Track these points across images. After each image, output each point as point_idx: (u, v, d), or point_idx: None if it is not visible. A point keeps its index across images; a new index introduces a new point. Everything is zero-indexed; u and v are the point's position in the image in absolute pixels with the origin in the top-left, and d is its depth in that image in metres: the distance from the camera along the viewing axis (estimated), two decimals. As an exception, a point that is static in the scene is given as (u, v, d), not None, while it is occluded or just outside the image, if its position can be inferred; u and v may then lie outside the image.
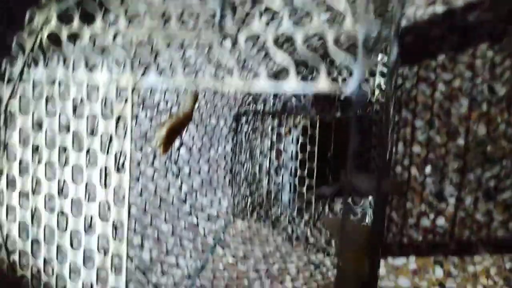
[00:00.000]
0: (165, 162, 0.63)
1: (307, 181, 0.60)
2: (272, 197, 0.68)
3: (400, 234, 0.76)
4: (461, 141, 0.72)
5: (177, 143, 0.67)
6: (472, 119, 0.72)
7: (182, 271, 0.59)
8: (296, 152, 0.60)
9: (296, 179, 0.61)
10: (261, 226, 0.81)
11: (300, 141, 0.60)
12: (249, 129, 0.71)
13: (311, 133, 0.59)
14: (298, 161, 0.60)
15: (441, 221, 0.74)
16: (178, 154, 0.68)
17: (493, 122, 0.71)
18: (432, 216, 0.75)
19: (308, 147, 0.60)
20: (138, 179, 0.57)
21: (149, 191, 0.59)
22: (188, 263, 0.61)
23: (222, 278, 0.60)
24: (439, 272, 0.75)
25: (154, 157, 0.60)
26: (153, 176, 0.60)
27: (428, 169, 0.75)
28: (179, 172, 0.68)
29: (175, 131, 0.57)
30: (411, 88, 0.75)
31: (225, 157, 0.81)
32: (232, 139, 0.80)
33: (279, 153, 0.66)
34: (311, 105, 0.76)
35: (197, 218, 0.68)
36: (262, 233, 0.81)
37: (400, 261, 0.77)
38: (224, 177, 0.82)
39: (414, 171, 0.75)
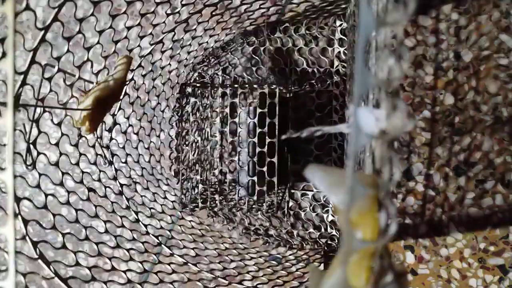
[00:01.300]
0: (94, 145, 0.51)
1: (267, 159, 0.50)
2: (229, 181, 0.58)
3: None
4: (427, 113, 0.67)
5: (109, 120, 0.55)
6: (438, 88, 0.66)
7: (122, 277, 0.47)
8: (254, 125, 0.51)
9: (255, 158, 0.51)
10: (214, 221, 0.71)
11: (258, 112, 0.51)
12: (197, 107, 0.61)
13: (270, 102, 0.50)
14: (257, 136, 0.50)
15: (410, 201, 0.68)
16: (111, 136, 0.56)
17: (461, 90, 0.66)
18: (400, 196, 0.69)
19: (268, 120, 0.51)
20: (56, 164, 0.45)
21: (74, 178, 0.47)
22: (129, 267, 0.49)
23: (171, 283, 0.49)
24: (410, 258, 0.69)
25: (80, 136, 0.48)
26: (78, 161, 0.48)
27: (394, 144, 0.68)
28: (113, 158, 0.57)
29: (105, 103, 0.46)
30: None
31: (169, 145, 0.70)
32: (177, 124, 0.70)
33: (234, 127, 0.56)
34: (266, 78, 0.68)
35: (137, 214, 0.57)
36: (215, 228, 0.71)
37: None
38: (170, 168, 0.71)
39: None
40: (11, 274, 0.20)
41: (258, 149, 0.50)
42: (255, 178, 0.52)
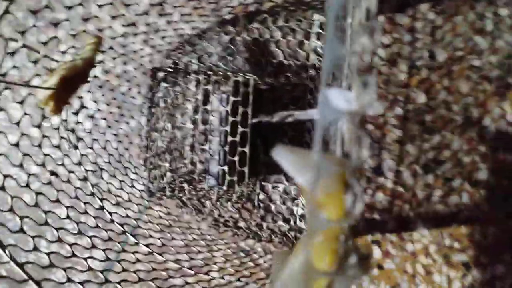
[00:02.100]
0: (58, 128, 0.49)
1: (239, 149, 0.50)
2: (199, 171, 0.57)
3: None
4: (399, 110, 0.67)
5: (75, 103, 0.53)
6: (411, 86, 0.67)
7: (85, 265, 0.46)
8: (227, 113, 0.50)
9: (227, 147, 0.50)
10: (182, 211, 0.70)
11: (231, 100, 0.50)
12: (169, 93, 0.59)
13: (244, 90, 0.49)
14: (229, 124, 0.49)
15: (379, 197, 0.69)
16: (77, 119, 0.54)
17: (433, 89, 0.66)
18: (370, 192, 0.69)
19: (241, 109, 0.50)
20: (17, 145, 0.43)
21: (35, 162, 0.45)
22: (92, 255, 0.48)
23: (134, 272, 0.48)
24: (377, 253, 0.69)
25: (43, 117, 0.46)
26: (40, 144, 0.46)
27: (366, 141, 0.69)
28: (78, 142, 0.55)
29: (71, 84, 0.44)
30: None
31: (139, 133, 0.69)
32: (149, 110, 0.68)
33: (206, 116, 0.55)
34: (241, 66, 0.67)
35: (102, 201, 0.55)
36: (183, 219, 0.70)
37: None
38: (139, 156, 0.69)
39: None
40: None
41: (230, 138, 0.49)
42: (225, 168, 0.51)
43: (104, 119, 0.60)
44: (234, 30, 0.69)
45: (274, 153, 0.22)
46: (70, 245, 0.43)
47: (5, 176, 0.40)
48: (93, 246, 0.46)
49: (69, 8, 0.42)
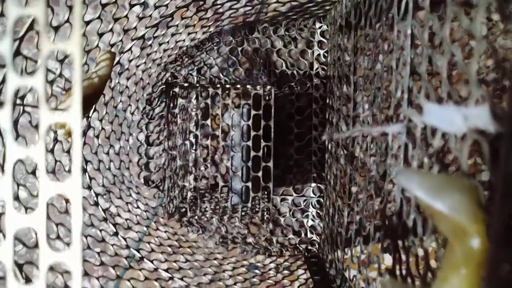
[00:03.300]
0: (68, 150, 0.45)
1: (262, 164, 0.48)
2: (220, 189, 0.54)
3: (347, 222, 0.69)
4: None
5: (83, 122, 0.49)
6: (413, 92, 0.68)
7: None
8: (248, 128, 0.48)
9: (250, 163, 0.48)
10: (188, 230, 0.67)
11: (252, 114, 0.48)
12: (185, 109, 0.57)
13: (266, 103, 0.48)
14: (251, 139, 0.47)
15: (388, 203, 0.69)
16: (84, 139, 0.50)
17: (435, 94, 0.67)
18: (379, 199, 0.69)
19: (263, 122, 0.48)
20: (33, 172, 0.39)
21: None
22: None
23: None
24: (388, 259, 0.69)
25: (56, 141, 0.42)
26: (54, 169, 0.42)
27: (372, 148, 0.69)
28: (86, 165, 0.51)
29: (86, 103, 0.41)
30: (350, 60, 0.68)
31: (138, 150, 0.65)
32: (146, 127, 0.65)
33: (227, 130, 0.52)
34: (257, 78, 0.65)
35: (116, 227, 0.51)
36: (190, 238, 0.67)
37: (348, 251, 0.70)
38: (139, 175, 0.66)
39: (357, 151, 0.68)
40: None
41: (253, 153, 0.47)
42: (249, 184, 0.49)
43: (108, 138, 0.57)
44: (234, 40, 0.67)
45: (400, 177, 0.20)
46: (97, 278, 0.39)
47: (26, 208, 0.36)
48: (118, 277, 0.43)
49: (87, 23, 0.38)
